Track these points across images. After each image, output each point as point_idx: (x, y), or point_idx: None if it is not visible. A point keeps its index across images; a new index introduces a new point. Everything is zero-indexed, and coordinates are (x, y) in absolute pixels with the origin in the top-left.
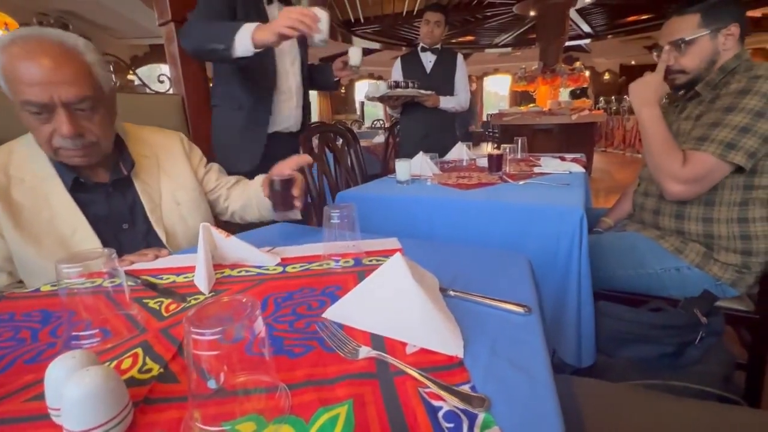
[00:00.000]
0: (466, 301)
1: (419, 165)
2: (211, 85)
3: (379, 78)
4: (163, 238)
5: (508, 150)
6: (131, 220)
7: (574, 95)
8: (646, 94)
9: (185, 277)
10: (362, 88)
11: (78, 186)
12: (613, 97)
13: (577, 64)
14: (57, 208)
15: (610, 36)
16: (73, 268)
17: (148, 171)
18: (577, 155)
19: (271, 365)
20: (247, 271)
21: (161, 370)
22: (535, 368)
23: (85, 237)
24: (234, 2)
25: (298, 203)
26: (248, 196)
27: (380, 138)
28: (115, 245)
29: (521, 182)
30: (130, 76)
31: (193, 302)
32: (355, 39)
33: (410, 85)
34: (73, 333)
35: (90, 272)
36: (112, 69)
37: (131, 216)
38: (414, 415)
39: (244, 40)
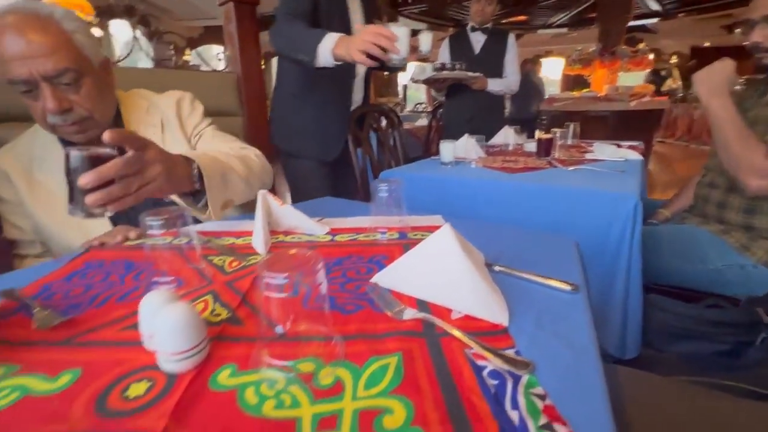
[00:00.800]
0: (510, 276)
1: (464, 147)
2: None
3: (424, 60)
4: None
5: (558, 134)
6: None
7: (657, 78)
8: (714, 83)
9: (243, 240)
10: (408, 69)
11: None
12: (680, 83)
13: (641, 45)
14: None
15: (681, 14)
16: (156, 220)
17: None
18: (635, 143)
19: (328, 317)
20: (299, 238)
21: (229, 315)
22: (581, 342)
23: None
24: None
25: (92, 198)
26: None
27: (423, 121)
28: (127, 219)
29: (571, 168)
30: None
31: (252, 261)
32: (401, 19)
33: (457, 66)
34: (153, 279)
35: (165, 231)
36: (172, 49)
37: None
38: (460, 372)
39: (326, 54)
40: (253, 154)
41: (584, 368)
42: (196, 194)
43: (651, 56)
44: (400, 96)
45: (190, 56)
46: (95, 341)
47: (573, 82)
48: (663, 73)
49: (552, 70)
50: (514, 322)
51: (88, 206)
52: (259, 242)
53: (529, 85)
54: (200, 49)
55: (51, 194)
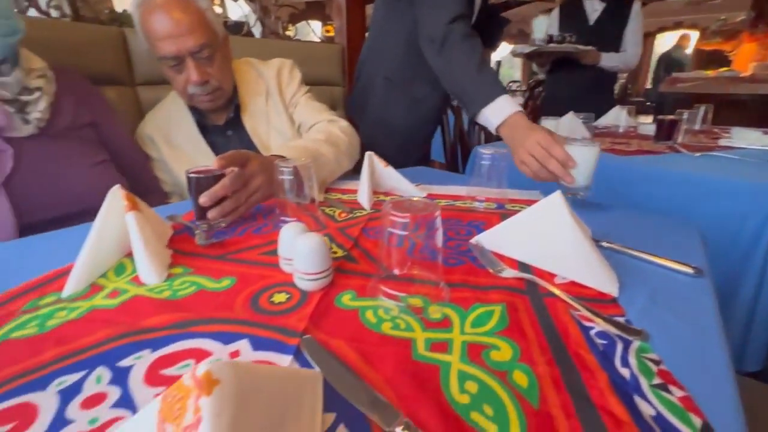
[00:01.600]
0: (620, 254)
1: (567, 126)
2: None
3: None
4: None
5: (685, 116)
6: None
7: None
8: None
9: (348, 197)
10: (502, 45)
11: (203, 129)
12: None
13: None
14: (194, 146)
15: None
16: (287, 167)
17: (254, 112)
18: None
19: (438, 264)
20: (400, 199)
21: (344, 253)
22: (705, 322)
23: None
24: None
25: (212, 214)
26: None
27: (517, 100)
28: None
29: (697, 154)
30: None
31: (358, 214)
32: None
33: (566, 39)
34: (280, 219)
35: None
36: (281, 24)
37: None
38: (566, 328)
39: (489, 120)
40: (339, 129)
41: (708, 346)
42: None
43: None
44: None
45: (292, 31)
46: (242, 259)
47: (707, 59)
48: None
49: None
50: (623, 294)
51: (209, 220)
52: (364, 198)
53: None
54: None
55: (185, 153)
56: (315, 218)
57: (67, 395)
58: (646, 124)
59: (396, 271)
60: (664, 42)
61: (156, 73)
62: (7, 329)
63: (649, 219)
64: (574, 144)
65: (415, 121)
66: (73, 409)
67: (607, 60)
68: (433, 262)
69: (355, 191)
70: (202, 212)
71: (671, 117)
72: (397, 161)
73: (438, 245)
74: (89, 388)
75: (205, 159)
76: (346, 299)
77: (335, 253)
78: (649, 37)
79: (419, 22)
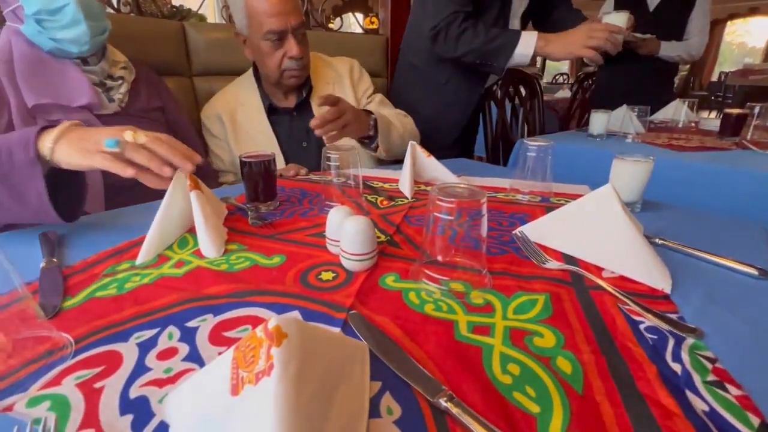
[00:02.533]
0: (674, 251)
1: (620, 119)
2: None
3: None
4: None
5: (757, 110)
6: (308, 139)
7: None
8: None
9: (390, 185)
10: None
11: (271, 110)
12: None
13: None
14: (258, 128)
15: None
16: (334, 153)
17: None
18: None
19: (481, 251)
20: (446, 184)
21: (387, 238)
22: None
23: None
24: None
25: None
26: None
27: (564, 93)
28: (294, 161)
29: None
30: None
31: (399, 202)
32: None
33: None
34: (325, 204)
35: (338, 164)
36: (325, 16)
37: (308, 136)
38: (613, 320)
39: (524, 56)
40: (409, 120)
41: None
42: (370, 139)
43: None
44: (538, 66)
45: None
46: (291, 239)
47: None
48: None
49: (753, 34)
50: (677, 291)
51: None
52: (405, 187)
53: None
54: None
55: (247, 135)
56: (358, 204)
57: (145, 347)
58: (710, 119)
59: (439, 258)
60: (735, 30)
61: (211, 65)
62: (93, 289)
63: (709, 218)
64: (626, 160)
65: (438, 106)
66: (151, 359)
67: (668, 49)
68: (476, 250)
69: (396, 180)
70: (254, 194)
71: (739, 110)
72: (425, 147)
73: (483, 232)
74: (163, 343)
75: (267, 140)
76: (390, 280)
77: (378, 237)
78: (718, 24)
79: (426, 15)
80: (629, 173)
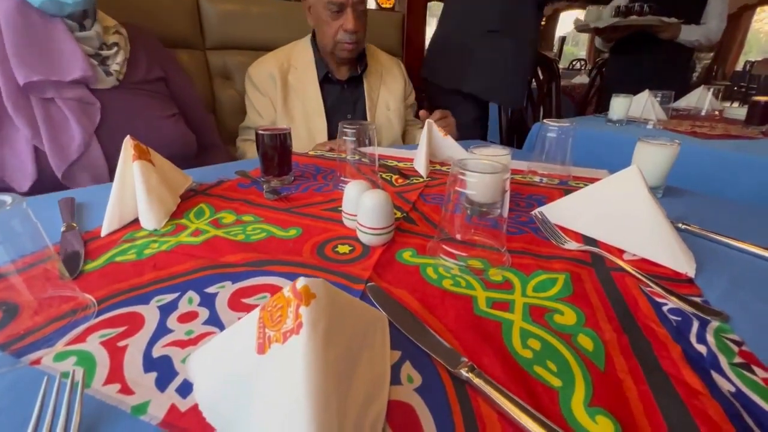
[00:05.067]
0: (698, 236)
1: (642, 105)
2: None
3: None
4: None
5: None
6: (353, 111)
7: None
8: None
9: (404, 164)
10: (567, 20)
11: (325, 79)
12: None
13: None
14: (309, 93)
15: None
16: (351, 128)
17: (374, 77)
18: None
19: (502, 230)
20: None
21: (403, 215)
22: None
23: (320, 122)
24: None
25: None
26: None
27: (581, 79)
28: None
29: None
30: None
31: (414, 181)
32: None
33: (645, 9)
34: (340, 180)
35: (341, 148)
36: None
37: (354, 108)
38: (635, 301)
39: None
40: None
41: None
42: None
43: None
44: (555, 50)
45: None
46: (307, 213)
47: None
48: None
49: None
50: (701, 276)
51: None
52: (421, 165)
53: None
54: None
55: (296, 98)
56: (373, 182)
57: (166, 310)
58: (735, 108)
59: (458, 236)
60: (766, 17)
61: (226, 39)
62: (113, 253)
63: (734, 205)
64: (651, 143)
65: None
66: (172, 322)
67: (687, 34)
68: (496, 228)
69: (410, 159)
70: (269, 167)
71: (766, 98)
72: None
73: (504, 211)
74: (183, 307)
75: (316, 107)
76: (407, 255)
77: (394, 213)
78: (747, 11)
79: None
80: (653, 157)
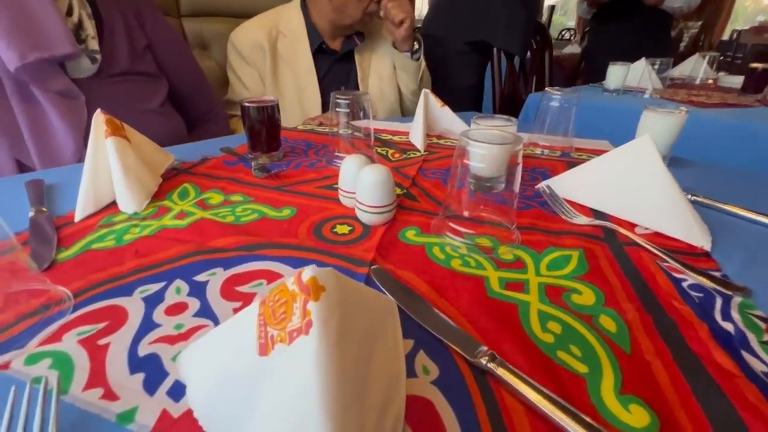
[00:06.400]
0: (709, 208)
1: (639, 74)
2: None
3: None
4: None
5: None
6: (346, 83)
7: None
8: None
9: (399, 138)
10: None
11: (319, 50)
12: None
13: None
14: (301, 64)
15: None
16: (343, 99)
17: (366, 48)
18: None
19: (511, 206)
20: (452, 142)
21: (403, 191)
22: None
23: (312, 94)
24: None
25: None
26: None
27: (572, 48)
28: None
29: None
30: None
31: (411, 155)
32: None
33: None
34: (334, 156)
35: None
36: None
37: (347, 81)
38: (653, 278)
39: None
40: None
41: None
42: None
43: None
44: (544, 19)
45: None
46: (300, 191)
47: None
48: None
49: None
50: (717, 249)
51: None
52: (418, 139)
53: None
54: None
55: (287, 68)
56: (368, 157)
57: (151, 302)
58: (729, 76)
59: (466, 213)
60: None
61: (202, 4)
62: (88, 240)
63: (740, 174)
64: (657, 111)
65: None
66: (159, 315)
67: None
68: (504, 205)
69: (405, 133)
70: (256, 143)
71: (764, 65)
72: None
73: (516, 185)
74: (171, 298)
75: (308, 78)
76: (411, 234)
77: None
78: None
79: None
80: (660, 126)
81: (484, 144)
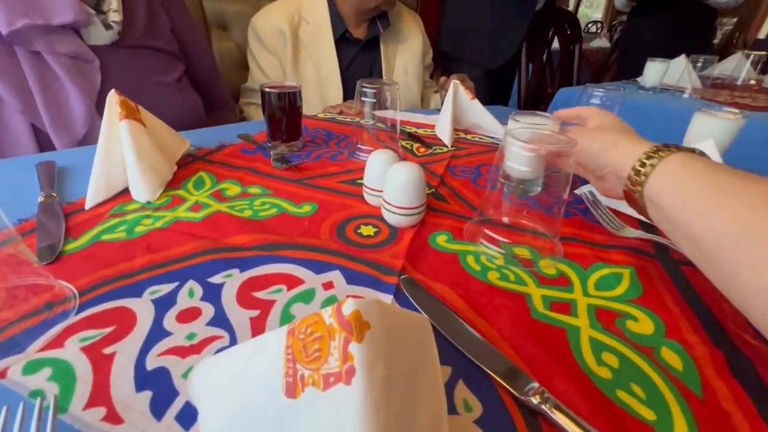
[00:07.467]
0: None
1: (678, 72)
2: None
3: None
4: None
5: None
6: (369, 75)
7: None
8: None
9: (424, 131)
10: None
11: (342, 38)
12: None
13: None
14: (323, 53)
15: None
16: (370, 88)
17: (390, 36)
18: None
19: (556, 214)
20: (479, 138)
21: (431, 191)
22: None
23: (334, 84)
24: None
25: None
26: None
27: (600, 42)
28: (354, 95)
29: None
30: None
31: (438, 150)
32: None
33: None
34: (356, 148)
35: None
36: None
37: (370, 72)
38: (718, 305)
39: None
40: None
41: None
42: None
43: None
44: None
45: None
46: (321, 186)
47: None
48: None
49: None
50: None
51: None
52: (445, 133)
53: None
54: None
55: (308, 56)
56: (393, 151)
57: (161, 305)
58: None
59: (506, 219)
60: None
61: None
62: (98, 231)
63: None
64: (712, 114)
65: (501, 21)
66: (170, 321)
67: None
68: (546, 213)
69: (431, 126)
70: (276, 132)
71: None
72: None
73: (565, 193)
74: (183, 302)
75: (330, 67)
76: (441, 240)
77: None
78: None
79: None
80: (714, 130)
81: (534, 147)
